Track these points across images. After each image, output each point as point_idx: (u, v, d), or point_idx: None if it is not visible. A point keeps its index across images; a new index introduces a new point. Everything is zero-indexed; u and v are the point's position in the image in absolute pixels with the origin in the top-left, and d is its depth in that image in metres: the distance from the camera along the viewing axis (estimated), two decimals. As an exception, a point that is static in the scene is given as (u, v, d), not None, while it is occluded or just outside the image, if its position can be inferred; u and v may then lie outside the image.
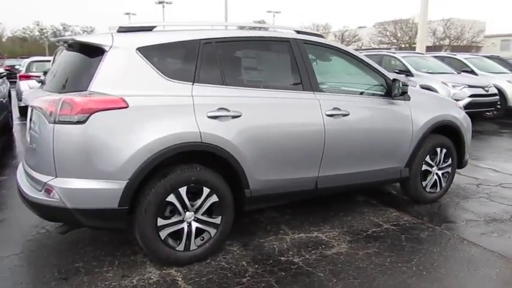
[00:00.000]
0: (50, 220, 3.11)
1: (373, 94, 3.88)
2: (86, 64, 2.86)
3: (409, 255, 3.20)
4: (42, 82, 3.81)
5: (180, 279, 2.85)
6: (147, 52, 2.88)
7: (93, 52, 2.82)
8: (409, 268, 3.00)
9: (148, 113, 2.78)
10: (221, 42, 3.21)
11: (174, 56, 3.08)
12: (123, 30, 3.01)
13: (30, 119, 3.05)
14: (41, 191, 2.77)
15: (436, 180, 4.30)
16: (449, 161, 4.35)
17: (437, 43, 37.01)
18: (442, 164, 4.32)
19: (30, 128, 3.05)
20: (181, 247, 2.97)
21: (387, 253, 3.23)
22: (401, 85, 3.80)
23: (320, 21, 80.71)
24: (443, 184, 4.37)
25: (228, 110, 3.01)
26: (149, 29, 3.05)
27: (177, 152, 2.83)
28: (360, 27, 51.02)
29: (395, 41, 36.54)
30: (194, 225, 3.00)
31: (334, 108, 3.50)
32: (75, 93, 2.70)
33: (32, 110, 3.06)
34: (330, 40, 3.74)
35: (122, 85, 2.76)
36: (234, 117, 3.03)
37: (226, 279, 2.85)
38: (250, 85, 3.28)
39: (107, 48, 2.77)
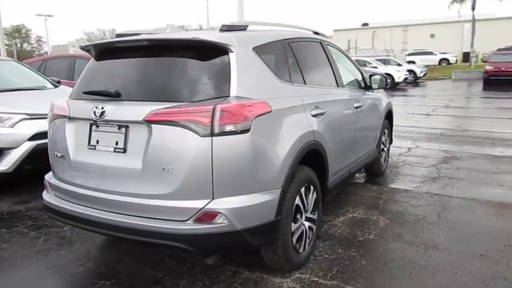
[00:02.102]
0: (206, 251, 2.58)
1: (364, 87, 4.54)
2: (207, 67, 2.49)
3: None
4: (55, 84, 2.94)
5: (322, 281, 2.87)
6: (260, 52, 2.73)
7: (213, 53, 2.50)
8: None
9: (284, 116, 2.69)
10: (297, 43, 3.27)
11: (274, 56, 2.98)
12: (225, 29, 2.73)
13: (125, 141, 2.45)
14: (187, 220, 2.32)
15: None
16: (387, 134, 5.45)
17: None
18: (387, 136, 5.40)
19: (125, 151, 2.45)
20: (301, 250, 2.96)
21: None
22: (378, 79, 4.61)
23: (106, 26, 76.32)
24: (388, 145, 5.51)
25: (320, 108, 3.15)
26: (243, 28, 2.86)
27: (306, 152, 2.82)
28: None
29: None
30: (306, 224, 3.03)
31: (357, 101, 4.02)
32: (220, 99, 2.36)
33: (126, 128, 2.46)
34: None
35: (253, 88, 2.56)
36: (322, 114, 3.18)
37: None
38: (317, 84, 3.45)
39: (232, 49, 2.50)
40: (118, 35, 3.09)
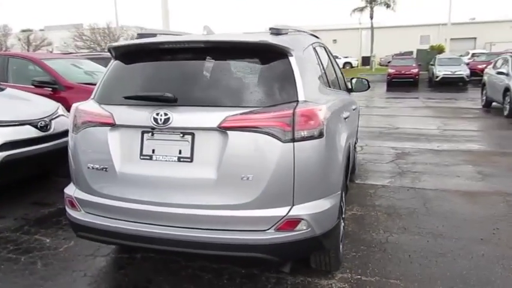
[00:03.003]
0: (285, 259, 2.50)
1: (347, 90, 4.75)
2: (271, 70, 2.42)
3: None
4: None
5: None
6: (306, 56, 2.75)
7: (275, 57, 2.43)
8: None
9: (336, 119, 2.74)
10: (317, 47, 3.32)
11: (312, 60, 2.98)
12: (275, 32, 2.67)
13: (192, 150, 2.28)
14: (268, 229, 2.25)
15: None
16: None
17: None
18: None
19: (191, 160, 2.28)
20: (342, 250, 3.04)
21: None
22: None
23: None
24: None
25: (347, 111, 3.28)
26: (286, 32, 2.82)
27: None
28: (42, 30, 46.73)
29: (95, 46, 35.93)
30: (342, 224, 3.11)
31: (352, 103, 4.22)
32: (292, 104, 2.32)
33: (192, 135, 2.29)
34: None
35: (313, 92, 2.55)
36: (348, 117, 3.30)
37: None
38: (333, 86, 3.53)
39: (292, 53, 2.47)
40: (140, 35, 2.86)
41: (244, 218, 2.24)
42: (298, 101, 2.35)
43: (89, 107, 2.57)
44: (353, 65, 37.59)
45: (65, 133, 3.62)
